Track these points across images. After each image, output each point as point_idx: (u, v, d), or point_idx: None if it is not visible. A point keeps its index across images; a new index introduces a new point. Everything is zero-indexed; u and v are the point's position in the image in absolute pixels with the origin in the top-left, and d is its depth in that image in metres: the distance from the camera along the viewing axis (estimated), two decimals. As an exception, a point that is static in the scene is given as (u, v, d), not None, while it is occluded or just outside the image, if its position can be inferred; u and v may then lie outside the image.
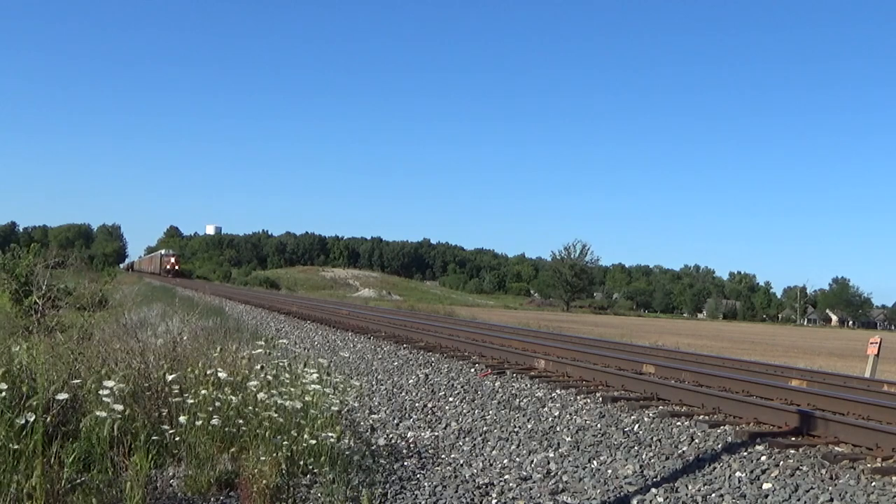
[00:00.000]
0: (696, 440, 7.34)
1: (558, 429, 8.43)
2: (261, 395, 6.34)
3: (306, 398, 6.45)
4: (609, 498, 6.47)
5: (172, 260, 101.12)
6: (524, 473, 7.31)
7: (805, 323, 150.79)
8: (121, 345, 8.27)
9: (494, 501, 6.49)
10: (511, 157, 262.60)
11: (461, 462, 7.75)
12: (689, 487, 6.38)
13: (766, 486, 6.09)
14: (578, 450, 7.70)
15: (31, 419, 5.22)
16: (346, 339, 17.28)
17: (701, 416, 8.14)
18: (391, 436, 8.78)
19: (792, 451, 6.62)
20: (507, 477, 7.22)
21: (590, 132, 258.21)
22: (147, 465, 5.71)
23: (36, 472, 4.92)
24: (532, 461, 7.62)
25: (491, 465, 7.67)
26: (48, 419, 5.75)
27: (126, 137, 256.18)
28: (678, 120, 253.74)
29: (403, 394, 11.11)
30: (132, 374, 6.85)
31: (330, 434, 6.09)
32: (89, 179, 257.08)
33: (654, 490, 6.43)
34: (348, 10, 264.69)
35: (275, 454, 5.74)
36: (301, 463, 6.09)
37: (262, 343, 7.75)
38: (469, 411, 9.69)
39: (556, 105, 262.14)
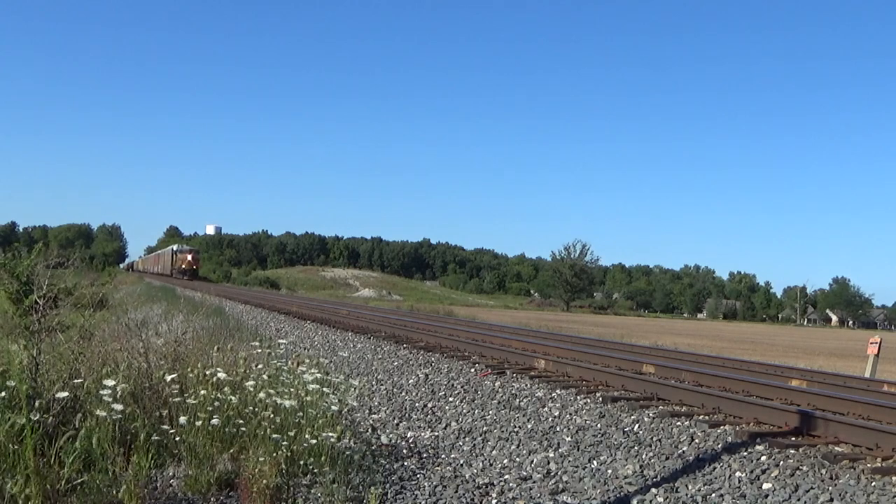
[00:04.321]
0: (696, 440, 7.34)
1: (558, 429, 8.43)
2: (260, 395, 6.34)
3: (306, 398, 6.45)
4: (609, 498, 6.47)
5: (189, 258, 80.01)
6: (524, 473, 7.31)
7: (805, 323, 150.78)
8: (121, 344, 8.27)
9: (494, 501, 6.49)
10: (511, 157, 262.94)
11: (461, 462, 7.75)
12: (689, 487, 6.38)
13: (766, 486, 6.10)
14: (578, 450, 7.70)
15: (27, 418, 5.22)
16: (346, 339, 17.28)
17: (701, 416, 8.14)
18: (391, 436, 8.78)
19: (792, 451, 6.62)
20: (507, 477, 7.23)
21: (590, 132, 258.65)
22: (147, 465, 5.71)
23: (29, 471, 4.92)
24: (532, 461, 7.63)
25: (491, 465, 7.68)
26: (48, 419, 5.75)
27: (126, 137, 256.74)
28: (678, 120, 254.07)
29: (403, 394, 11.11)
30: (133, 374, 6.85)
31: (330, 434, 6.09)
32: (89, 179, 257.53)
33: (654, 490, 6.43)
34: (348, 11, 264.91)
35: (275, 454, 5.74)
36: (301, 463, 6.09)
37: (258, 343, 7.74)
38: (469, 411, 9.69)
39: (556, 105, 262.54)
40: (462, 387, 10.81)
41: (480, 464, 7.69)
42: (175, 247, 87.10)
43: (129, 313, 19.04)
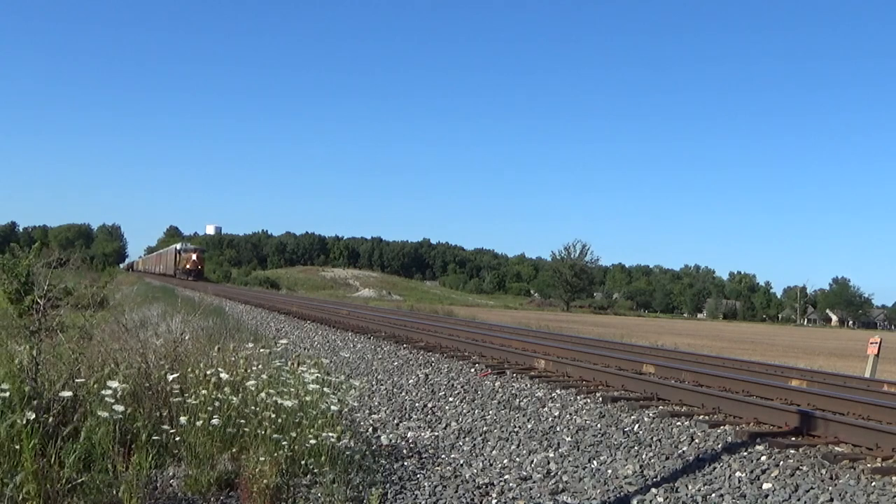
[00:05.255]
0: (696, 440, 7.34)
1: (558, 429, 8.43)
2: (261, 395, 6.34)
3: (306, 398, 6.45)
4: (609, 498, 6.47)
5: (194, 257, 74.89)
6: (524, 473, 7.31)
7: (805, 323, 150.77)
8: (121, 345, 8.27)
9: (494, 501, 6.49)
10: (511, 157, 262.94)
11: (461, 462, 7.75)
12: (689, 487, 6.38)
13: (766, 486, 6.10)
14: (578, 450, 7.71)
15: (31, 417, 5.22)
16: (346, 339, 17.28)
17: (701, 416, 8.14)
18: (391, 436, 8.78)
19: (792, 451, 6.63)
20: (507, 477, 7.22)
21: (590, 132, 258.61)
22: (147, 465, 5.71)
23: (28, 471, 4.92)
24: (532, 461, 7.63)
25: (491, 465, 7.68)
26: (48, 419, 5.75)
27: (126, 137, 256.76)
28: (678, 120, 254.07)
29: (403, 394, 11.11)
30: (133, 374, 6.85)
31: (330, 434, 6.09)
32: (89, 179, 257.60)
33: (654, 490, 6.43)
34: (348, 11, 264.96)
35: (275, 454, 5.74)
36: (301, 463, 6.09)
37: (251, 346, 7.76)
38: (469, 411, 9.69)
39: (556, 105, 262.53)
40: (462, 387, 10.81)
41: (480, 464, 7.69)
42: (179, 245, 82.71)
43: (129, 314, 19.05)
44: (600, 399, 9.14)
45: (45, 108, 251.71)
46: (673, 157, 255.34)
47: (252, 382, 6.49)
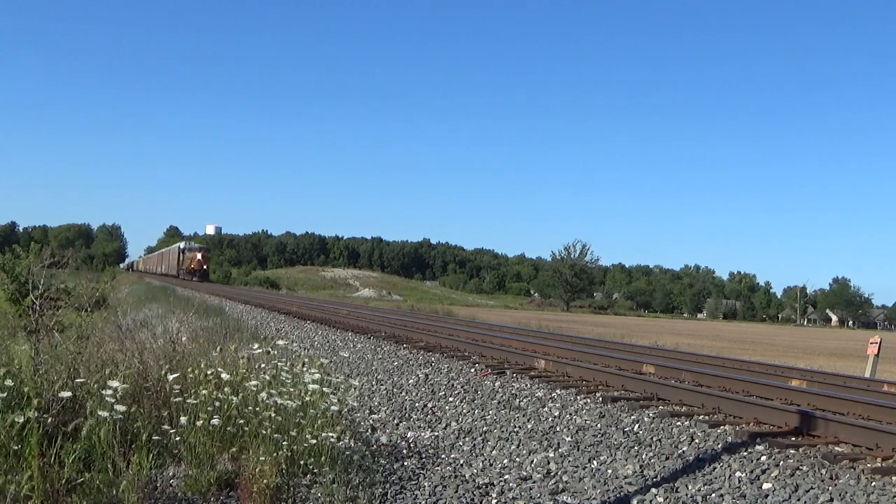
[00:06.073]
0: (696, 440, 7.34)
1: (558, 429, 8.42)
2: (261, 395, 6.34)
3: (306, 398, 6.45)
4: (609, 498, 6.47)
5: (199, 256, 71.57)
6: (524, 473, 7.31)
7: (805, 323, 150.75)
8: (119, 345, 8.26)
9: (494, 501, 6.49)
10: (511, 157, 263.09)
11: (461, 462, 7.75)
12: (689, 487, 6.38)
13: (766, 486, 6.09)
14: (578, 450, 7.70)
15: (33, 416, 5.22)
16: (346, 339, 17.27)
17: (701, 416, 8.13)
18: (391, 436, 8.78)
19: (792, 451, 6.62)
20: (507, 477, 7.22)
21: (590, 132, 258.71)
22: (147, 465, 5.70)
23: (34, 472, 4.92)
24: (532, 461, 7.62)
25: (491, 464, 7.67)
26: (48, 419, 5.75)
27: (126, 137, 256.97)
28: (678, 120, 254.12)
29: (403, 394, 11.10)
30: (133, 375, 6.84)
31: (330, 434, 6.09)
32: (89, 179, 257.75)
33: (654, 490, 6.43)
34: (348, 11, 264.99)
35: (275, 454, 5.74)
36: (301, 463, 6.09)
37: (257, 346, 7.76)
38: (469, 411, 9.69)
39: (556, 105, 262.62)
40: (462, 387, 10.81)
41: (480, 464, 7.69)
42: (182, 244, 79.14)
43: (129, 314, 19.05)
44: (600, 399, 9.14)
45: (45, 108, 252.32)
46: (673, 157, 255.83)
47: (254, 382, 6.49)
